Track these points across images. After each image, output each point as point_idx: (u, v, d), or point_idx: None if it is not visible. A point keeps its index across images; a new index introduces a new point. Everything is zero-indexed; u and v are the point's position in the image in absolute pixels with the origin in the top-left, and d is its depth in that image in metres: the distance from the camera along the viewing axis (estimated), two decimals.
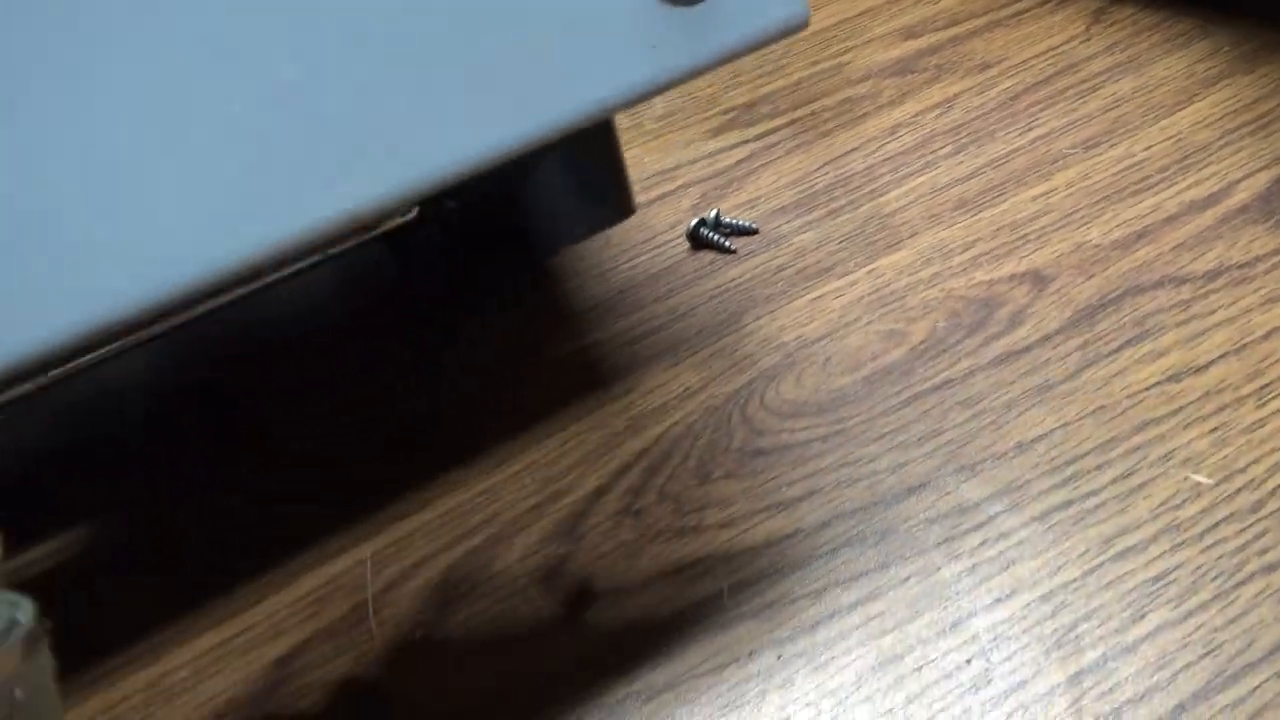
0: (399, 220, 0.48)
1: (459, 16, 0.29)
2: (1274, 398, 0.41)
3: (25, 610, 0.17)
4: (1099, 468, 0.40)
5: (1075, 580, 0.36)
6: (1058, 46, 0.63)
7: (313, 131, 0.27)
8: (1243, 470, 0.39)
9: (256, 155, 0.27)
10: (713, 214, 0.55)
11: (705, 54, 0.32)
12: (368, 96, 0.28)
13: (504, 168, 0.31)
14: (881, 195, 0.56)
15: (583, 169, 0.32)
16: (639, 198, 0.59)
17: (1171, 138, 0.55)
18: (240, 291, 0.42)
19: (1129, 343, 0.44)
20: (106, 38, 0.25)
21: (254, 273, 0.27)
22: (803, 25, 0.33)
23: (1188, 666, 0.33)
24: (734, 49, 0.33)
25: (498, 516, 0.43)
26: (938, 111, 0.60)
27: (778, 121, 0.62)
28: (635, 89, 0.31)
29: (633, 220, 0.56)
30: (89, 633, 0.40)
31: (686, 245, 0.54)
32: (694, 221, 0.55)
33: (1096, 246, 0.49)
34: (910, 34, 0.68)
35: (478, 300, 0.53)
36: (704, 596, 0.39)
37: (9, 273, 0.24)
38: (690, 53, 0.32)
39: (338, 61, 0.27)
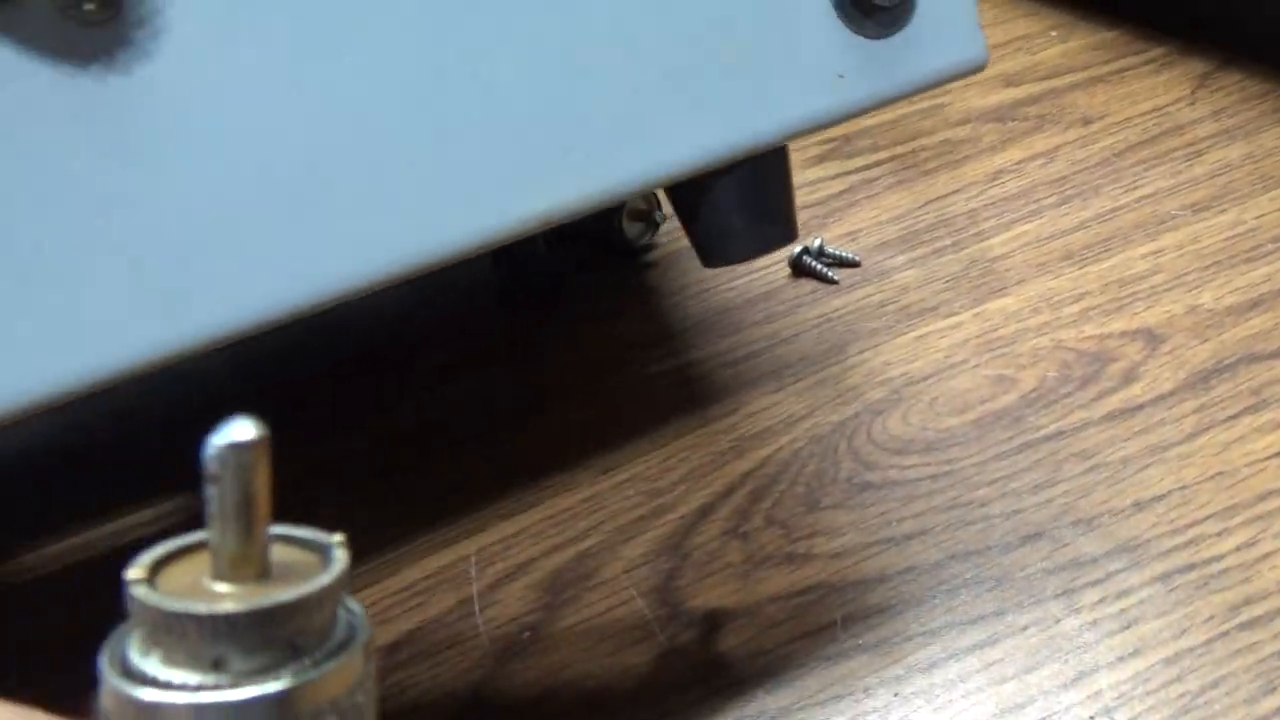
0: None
1: (665, 29, 0.29)
2: None
3: (361, 618, 0.17)
4: (1220, 534, 0.40)
5: (1200, 646, 0.36)
6: (1162, 107, 0.63)
7: (519, 131, 0.28)
8: None
9: (467, 149, 0.27)
10: (816, 243, 0.55)
11: (887, 88, 0.32)
12: (575, 100, 0.28)
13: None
14: (986, 239, 0.56)
15: (757, 189, 0.32)
16: None
17: None
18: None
19: (1247, 410, 0.44)
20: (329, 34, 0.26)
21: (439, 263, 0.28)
22: (981, 66, 0.34)
23: None
24: (915, 85, 0.33)
25: (602, 525, 0.43)
26: (1040, 161, 0.61)
27: (878, 156, 0.63)
28: (818, 117, 0.31)
29: None
30: None
31: (787, 272, 0.55)
32: (797, 249, 0.55)
33: (1210, 311, 0.50)
34: (1010, 81, 0.68)
35: (577, 310, 0.53)
36: (817, 625, 0.39)
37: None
38: (873, 86, 0.32)
39: (552, 62, 0.28)
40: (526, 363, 0.51)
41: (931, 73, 0.33)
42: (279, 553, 0.17)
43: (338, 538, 0.17)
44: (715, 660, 0.38)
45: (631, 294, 0.55)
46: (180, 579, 0.17)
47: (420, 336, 0.51)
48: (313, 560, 0.17)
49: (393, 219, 0.27)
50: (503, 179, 0.27)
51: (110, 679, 0.16)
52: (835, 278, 0.54)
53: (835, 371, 0.49)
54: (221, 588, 0.16)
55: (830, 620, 0.39)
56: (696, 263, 0.56)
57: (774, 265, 0.56)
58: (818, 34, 0.31)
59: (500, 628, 0.39)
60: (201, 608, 0.16)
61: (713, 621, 0.39)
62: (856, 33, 0.32)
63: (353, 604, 0.17)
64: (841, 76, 0.32)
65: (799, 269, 0.55)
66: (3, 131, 0.23)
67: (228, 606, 0.16)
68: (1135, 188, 0.58)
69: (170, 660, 0.16)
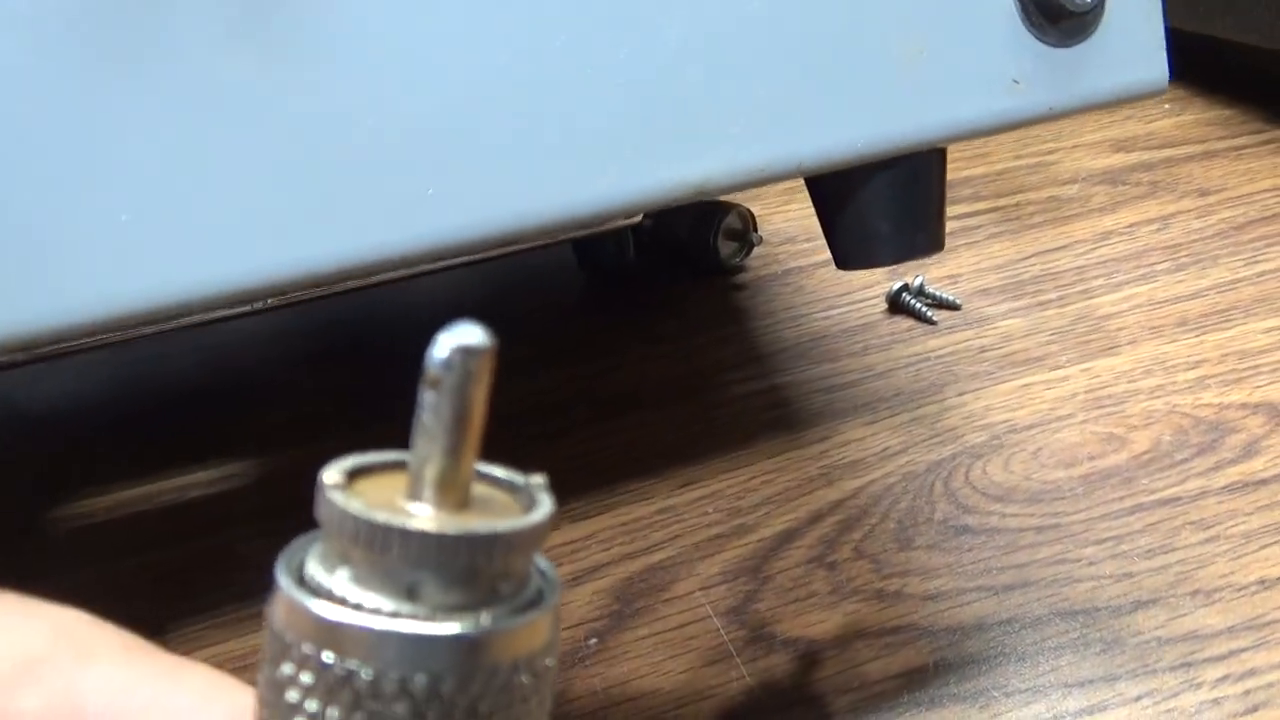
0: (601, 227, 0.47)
1: (845, 12, 0.28)
2: None
3: (552, 577, 0.16)
4: None
5: None
6: None
7: (685, 95, 0.27)
8: None
9: (632, 105, 0.27)
10: (917, 281, 0.54)
11: (1063, 99, 0.31)
12: (746, 73, 0.28)
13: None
14: (1094, 297, 0.54)
15: (909, 192, 0.31)
16: None
17: None
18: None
19: None
20: None
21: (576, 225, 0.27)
22: (1162, 89, 0.32)
23: None
24: (1091, 100, 0.31)
25: (679, 539, 0.42)
26: (1154, 227, 0.59)
27: (980, 206, 0.62)
28: (987, 121, 0.30)
29: (828, 271, 0.56)
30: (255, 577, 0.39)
31: (883, 307, 0.54)
32: (896, 285, 0.53)
33: None
34: (1121, 147, 0.67)
35: (666, 323, 0.53)
36: (909, 667, 0.36)
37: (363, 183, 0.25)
38: (1049, 95, 0.30)
39: (729, 33, 0.27)
40: (609, 370, 0.50)
41: (1110, 89, 0.31)
42: (478, 489, 0.16)
43: (539, 479, 0.16)
44: (798, 690, 0.36)
45: (722, 313, 0.54)
46: (373, 495, 0.16)
47: (502, 330, 0.50)
48: (509, 501, 0.16)
49: (554, 166, 0.26)
50: (662, 142, 0.27)
51: (288, 589, 0.15)
52: (934, 318, 0.52)
53: (932, 411, 0.47)
54: (420, 509, 0.15)
55: (923, 664, 0.37)
56: (790, 287, 0.55)
57: (871, 299, 0.54)
58: (998, 36, 0.30)
59: (565, 631, 0.37)
60: (413, 523, 0.15)
61: (795, 650, 0.37)
62: (1039, 39, 0.30)
63: (545, 562, 0.16)
64: (1017, 82, 0.30)
65: (897, 306, 0.53)
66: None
67: (441, 526, 0.15)
68: (1256, 262, 0.56)
69: (360, 579, 0.15)
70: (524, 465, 0.16)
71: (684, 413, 0.47)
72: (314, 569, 0.15)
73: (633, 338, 0.52)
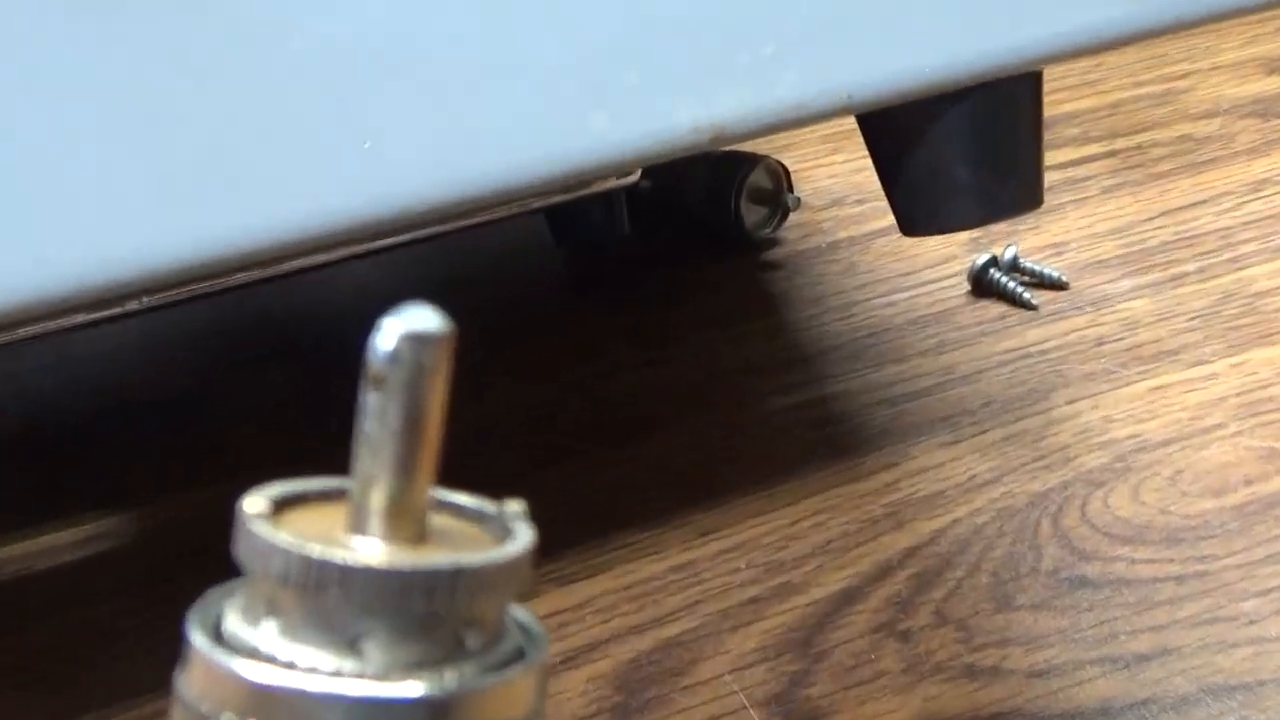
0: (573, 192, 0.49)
1: None
2: None
3: (537, 630, 0.17)
4: None
5: None
6: None
7: (694, 8, 0.28)
8: None
9: (619, 28, 0.28)
10: (1008, 253, 0.54)
11: (1196, 4, 0.31)
12: None
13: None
14: (1246, 267, 0.55)
15: (994, 132, 0.31)
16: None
17: None
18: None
19: None
20: None
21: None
22: None
23: None
24: (1229, 7, 0.31)
25: (699, 605, 0.42)
26: None
27: (1090, 150, 0.62)
28: (1098, 33, 0.30)
29: (890, 241, 0.57)
30: None
31: (965, 288, 0.54)
32: (981, 259, 0.54)
33: None
34: (1273, 68, 0.67)
35: (680, 318, 0.53)
36: None
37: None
38: (1163, 3, 0.31)
39: None
40: (601, 379, 0.50)
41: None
42: (437, 520, 0.17)
43: (516, 505, 0.17)
44: None
45: (750, 302, 0.54)
46: (308, 528, 0.16)
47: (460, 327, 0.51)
48: (477, 533, 0.17)
49: (524, 107, 0.27)
50: (665, 71, 0.28)
51: (203, 649, 0.16)
52: (1034, 301, 0.53)
53: (1034, 425, 0.48)
54: (365, 543, 0.16)
55: None
56: (838, 265, 0.56)
57: (948, 278, 0.55)
58: None
59: None
60: (356, 557, 0.15)
61: None
62: None
63: (525, 613, 0.17)
64: None
65: (983, 286, 0.54)
66: None
67: (392, 560, 0.15)
68: None
69: (292, 631, 0.16)
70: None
71: (702, 435, 0.47)
72: (234, 623, 0.16)
73: (631, 336, 0.52)
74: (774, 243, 0.57)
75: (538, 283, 0.56)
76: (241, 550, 0.16)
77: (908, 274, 0.55)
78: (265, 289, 0.47)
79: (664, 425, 0.48)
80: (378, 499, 0.16)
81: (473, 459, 0.44)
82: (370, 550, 0.16)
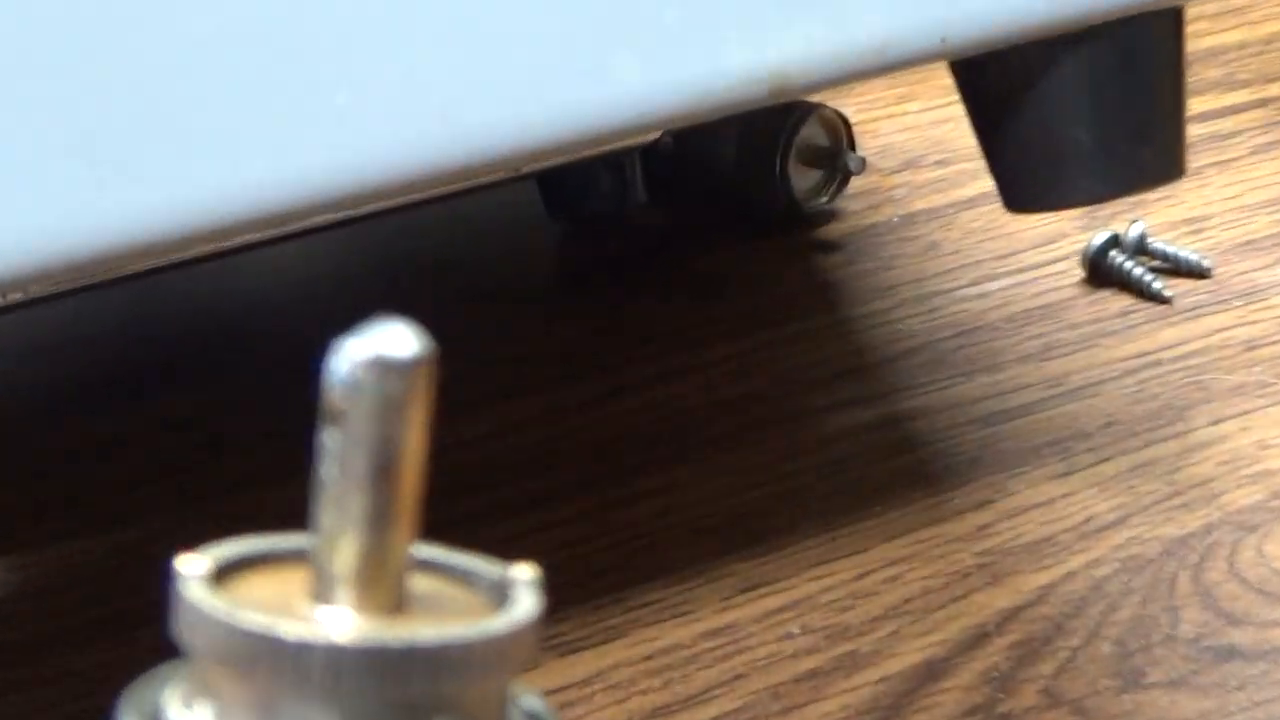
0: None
1: None
2: None
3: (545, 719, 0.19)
4: None
5: None
6: None
7: None
8: None
9: None
10: (1133, 231, 0.54)
11: None
12: None
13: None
14: None
15: (1122, 84, 0.32)
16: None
17: None
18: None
19: None
20: None
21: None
22: None
23: None
24: None
25: (742, 680, 0.41)
26: None
27: (1237, 98, 0.62)
28: None
29: (985, 214, 0.57)
30: None
31: (1079, 275, 0.54)
32: (1099, 239, 0.54)
33: None
34: None
35: (714, 314, 0.54)
36: None
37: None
38: None
39: None
40: (613, 394, 0.50)
41: None
42: (420, 584, 0.18)
43: (525, 569, 0.18)
44: None
45: (804, 294, 0.54)
46: (258, 597, 0.17)
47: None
48: (470, 600, 0.18)
49: (529, 55, 0.28)
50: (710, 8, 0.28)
51: None
52: (1166, 292, 0.53)
53: (1169, 451, 0.48)
54: (329, 613, 0.17)
55: None
56: (916, 245, 0.56)
57: (1058, 262, 0.55)
58: None
59: None
60: (315, 630, 0.16)
61: None
62: None
63: (534, 698, 0.19)
64: None
65: (1102, 273, 0.54)
66: None
67: (359, 633, 0.16)
68: None
69: None
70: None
71: (743, 465, 0.48)
72: (173, 713, 0.17)
73: (649, 340, 0.52)
74: (831, 215, 0.56)
75: (527, 271, 0.56)
76: (177, 622, 0.17)
77: (1004, 256, 0.55)
78: (179, 275, 0.47)
79: (693, 453, 0.48)
80: (343, 559, 0.17)
81: (451, 498, 0.44)
82: (334, 622, 0.17)
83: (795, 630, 0.42)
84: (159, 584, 0.44)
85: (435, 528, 0.39)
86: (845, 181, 0.55)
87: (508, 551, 0.43)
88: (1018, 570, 0.44)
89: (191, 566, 0.17)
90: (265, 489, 0.46)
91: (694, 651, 0.42)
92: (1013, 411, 0.49)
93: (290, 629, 0.16)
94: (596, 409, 0.50)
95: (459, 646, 0.16)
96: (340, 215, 0.47)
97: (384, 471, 0.17)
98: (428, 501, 0.36)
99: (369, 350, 0.16)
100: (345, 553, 0.17)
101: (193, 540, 0.49)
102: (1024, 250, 0.55)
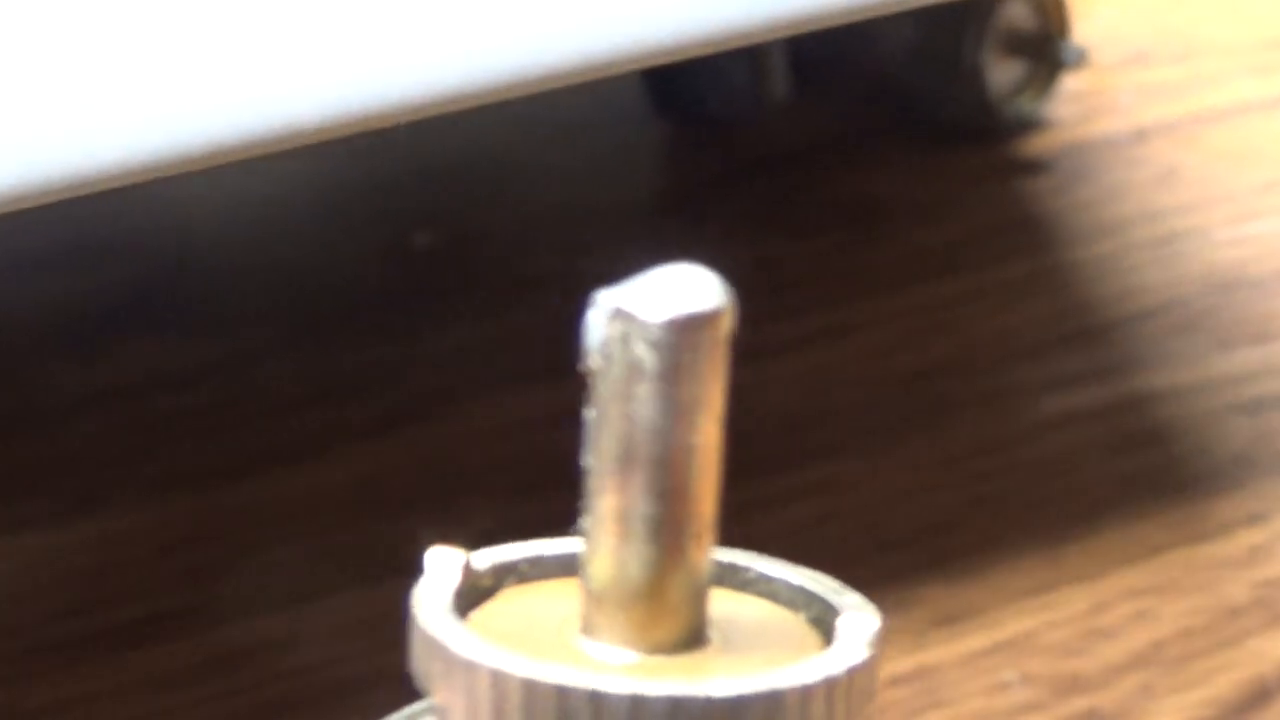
0: None
1: None
2: None
3: None
4: None
5: None
6: None
7: None
8: None
9: None
10: None
11: None
12: None
13: None
14: None
15: None
16: (1247, 88, 0.61)
17: None
18: None
19: None
20: None
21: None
22: None
23: None
24: None
25: None
26: None
27: None
28: None
29: (1235, 134, 0.58)
30: None
31: None
32: None
33: None
34: None
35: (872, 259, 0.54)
36: None
37: None
38: None
39: None
40: (754, 366, 0.49)
41: None
42: (720, 607, 0.19)
43: (852, 598, 0.19)
44: None
45: (1003, 231, 0.55)
46: (510, 629, 0.18)
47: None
48: (787, 633, 0.19)
49: None
50: None
51: None
52: None
53: None
54: (608, 653, 0.18)
55: None
56: (1147, 172, 0.57)
57: None
58: None
59: None
60: (593, 679, 0.17)
61: None
62: None
63: None
64: None
65: None
66: None
67: (652, 684, 0.17)
68: None
69: None
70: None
71: (926, 460, 0.49)
72: None
73: (791, 288, 0.53)
74: (1037, 124, 0.58)
75: (622, 193, 0.57)
76: (418, 657, 0.18)
77: (1270, 187, 0.56)
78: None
79: (856, 442, 0.49)
80: (623, 577, 0.18)
81: (529, 496, 0.46)
82: (616, 663, 0.18)
83: (1012, 679, 0.43)
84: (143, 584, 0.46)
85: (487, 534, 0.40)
86: (1056, 79, 0.57)
87: None
88: None
89: (434, 590, 0.18)
90: (277, 471, 0.48)
91: (878, 703, 0.44)
92: None
93: (565, 674, 0.17)
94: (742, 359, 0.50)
95: (801, 691, 0.17)
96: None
97: (679, 459, 0.17)
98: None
99: (654, 301, 0.17)
100: (625, 568, 0.18)
101: (176, 535, 0.51)
102: None
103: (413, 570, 0.49)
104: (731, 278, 0.57)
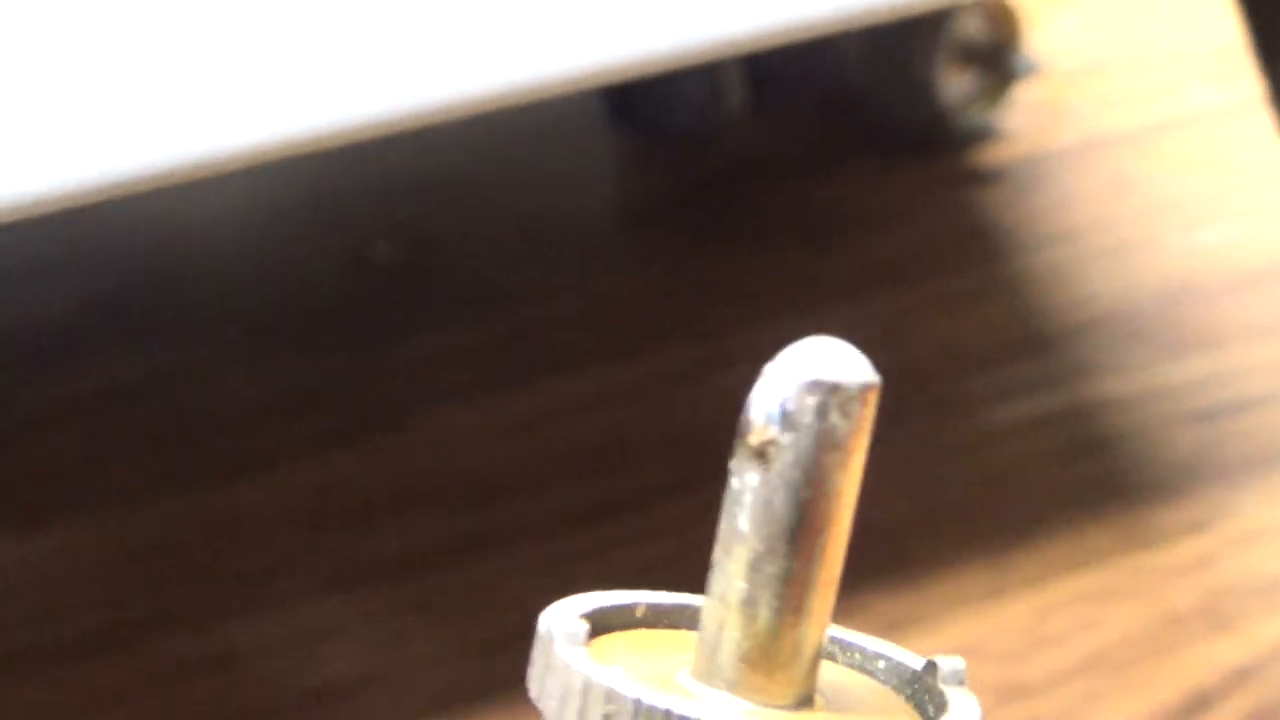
0: None
1: None
2: None
3: None
4: None
5: None
6: None
7: None
8: None
9: None
10: None
11: None
12: None
13: None
14: None
15: None
16: (1198, 98, 0.60)
17: None
18: None
19: None
20: None
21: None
22: None
23: None
24: None
25: None
26: None
27: None
28: None
29: (1189, 141, 0.58)
30: None
31: None
32: None
33: None
34: None
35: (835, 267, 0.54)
36: None
37: None
38: None
39: None
40: (708, 369, 0.51)
41: None
42: (827, 673, 0.19)
43: (952, 663, 0.19)
44: None
45: (955, 240, 0.55)
46: (623, 661, 0.18)
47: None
48: (887, 700, 0.19)
49: None
50: None
51: None
52: None
53: None
54: (720, 701, 0.18)
55: None
56: (1097, 180, 0.57)
57: None
58: None
59: None
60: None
61: None
62: None
63: None
64: None
65: None
66: None
67: None
68: None
69: None
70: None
71: (881, 470, 0.47)
72: None
73: (746, 300, 0.53)
74: (990, 134, 0.57)
75: (582, 205, 0.57)
76: (544, 686, 0.18)
77: (1220, 196, 0.56)
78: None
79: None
80: (750, 634, 0.18)
81: (497, 498, 0.45)
82: (730, 709, 0.18)
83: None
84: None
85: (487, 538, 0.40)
86: (1008, 89, 0.56)
87: (560, 568, 0.44)
88: (1247, 614, 0.44)
89: (563, 619, 0.18)
90: (247, 479, 0.48)
91: None
92: (1237, 403, 0.49)
93: (681, 707, 0.17)
94: (670, 389, 0.50)
95: None
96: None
97: (815, 526, 0.18)
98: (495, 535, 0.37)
99: (812, 373, 0.17)
100: (753, 625, 0.18)
101: (136, 546, 0.51)
102: (1247, 188, 0.55)
103: (372, 580, 0.49)
104: (688, 289, 0.56)
